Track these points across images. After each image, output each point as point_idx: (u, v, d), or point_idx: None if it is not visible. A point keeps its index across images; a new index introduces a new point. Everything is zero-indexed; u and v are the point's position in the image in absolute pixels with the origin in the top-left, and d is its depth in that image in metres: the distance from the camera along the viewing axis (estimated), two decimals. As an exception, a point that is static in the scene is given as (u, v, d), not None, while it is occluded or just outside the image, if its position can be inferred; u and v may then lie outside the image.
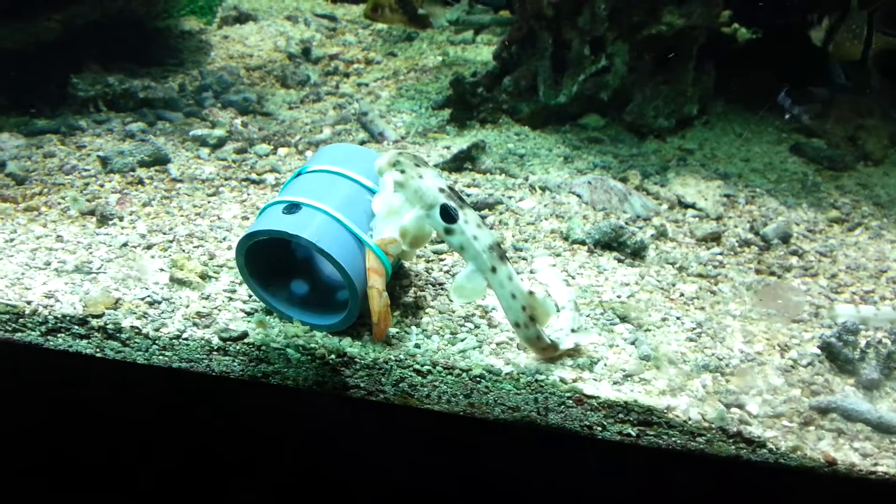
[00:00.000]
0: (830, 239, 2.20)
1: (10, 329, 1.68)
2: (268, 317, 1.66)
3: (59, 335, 1.67)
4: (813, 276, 2.01)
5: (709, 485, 1.53)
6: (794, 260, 2.07)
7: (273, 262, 1.67)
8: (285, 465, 1.68)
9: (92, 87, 2.68)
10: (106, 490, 1.76)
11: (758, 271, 2.01)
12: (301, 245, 1.54)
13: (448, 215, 1.52)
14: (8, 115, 2.61)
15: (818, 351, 1.67)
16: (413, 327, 1.66)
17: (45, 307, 1.67)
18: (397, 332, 1.63)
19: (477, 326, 1.68)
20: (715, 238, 2.14)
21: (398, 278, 1.81)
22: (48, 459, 1.76)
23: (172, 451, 1.71)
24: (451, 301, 1.74)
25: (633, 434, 1.51)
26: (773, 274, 2.00)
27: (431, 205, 1.52)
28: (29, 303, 1.68)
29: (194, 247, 1.92)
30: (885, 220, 2.30)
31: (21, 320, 1.67)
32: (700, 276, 1.95)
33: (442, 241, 1.85)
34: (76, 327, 1.66)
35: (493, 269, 1.52)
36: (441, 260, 1.91)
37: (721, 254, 2.07)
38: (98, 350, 1.66)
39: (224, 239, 1.96)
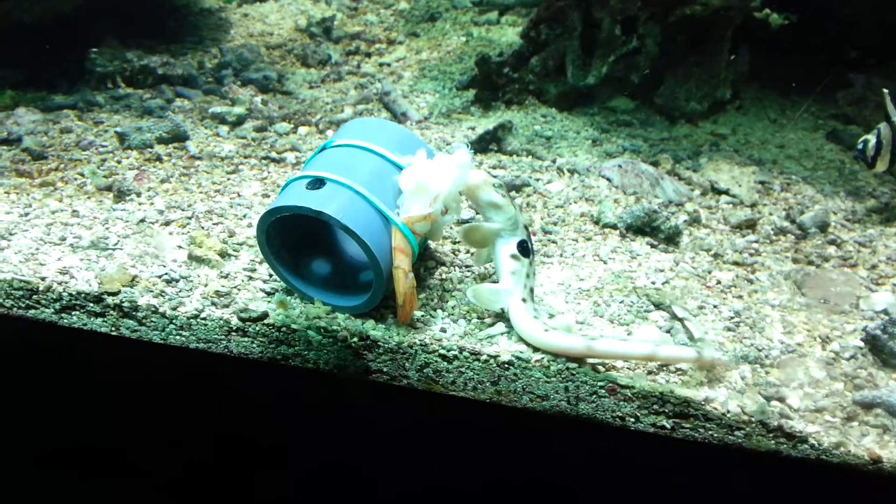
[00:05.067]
0: (869, 229, 2.11)
1: (23, 306, 1.64)
2: (289, 297, 1.61)
3: (73, 313, 1.62)
4: (852, 266, 1.93)
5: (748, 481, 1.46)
6: (832, 250, 2.00)
7: (295, 240, 1.61)
8: (306, 449, 1.63)
9: (110, 62, 2.63)
10: (120, 471, 1.71)
11: (795, 260, 1.93)
12: (325, 222, 1.48)
13: (525, 250, 1.59)
14: (25, 90, 2.56)
15: (861, 343, 1.60)
16: (439, 311, 1.60)
17: (60, 284, 1.62)
18: (422, 316, 1.57)
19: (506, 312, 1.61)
20: (750, 225, 2.07)
21: (423, 259, 1.75)
22: (61, 440, 1.72)
23: (191, 433, 1.66)
24: (478, 284, 1.68)
25: (668, 426, 1.45)
26: (811, 263, 1.92)
27: (513, 233, 1.60)
28: (43, 279, 1.63)
29: (213, 224, 1.87)
30: (924, 210, 2.22)
31: (35, 297, 1.63)
32: (736, 263, 1.88)
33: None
34: (91, 305, 1.61)
35: (524, 300, 1.55)
36: (468, 242, 1.85)
37: (757, 241, 2.00)
38: (113, 329, 1.61)
39: (244, 216, 1.90)
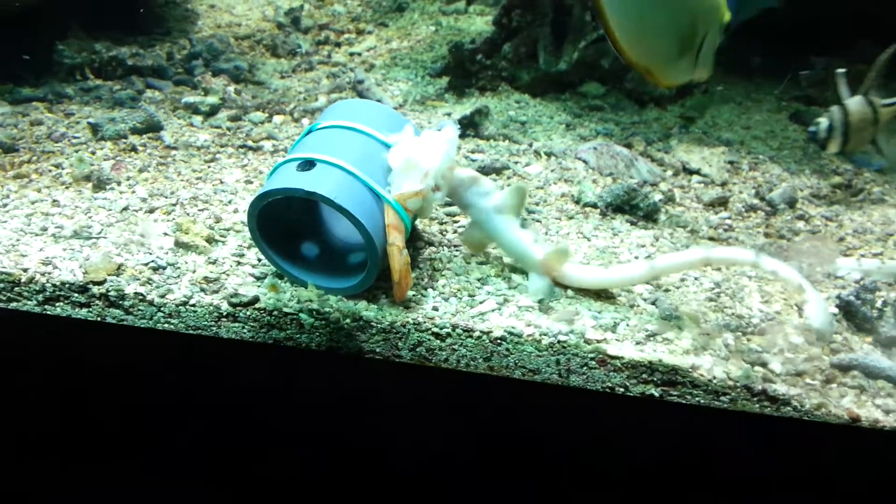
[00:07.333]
0: (835, 204, 2.19)
1: (4, 299, 1.61)
2: (279, 280, 1.61)
3: (57, 304, 1.60)
4: (821, 239, 2.00)
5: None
6: (800, 224, 2.07)
7: (284, 224, 1.62)
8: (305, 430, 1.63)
9: (78, 54, 2.58)
10: (112, 458, 1.70)
11: (766, 235, 2.00)
12: (313, 205, 1.49)
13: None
14: (-10, 82, 2.51)
15: (836, 310, 1.66)
16: (430, 290, 1.62)
17: (43, 274, 1.60)
18: (414, 295, 1.59)
19: (497, 289, 1.64)
20: (722, 203, 2.13)
21: (412, 240, 1.77)
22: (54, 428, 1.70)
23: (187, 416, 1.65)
24: (467, 263, 1.70)
25: (657, 395, 1.49)
26: (781, 237, 1.99)
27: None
28: (25, 270, 1.61)
29: (199, 210, 1.85)
30: (887, 185, 2.31)
31: (17, 289, 1.60)
32: (711, 238, 1.94)
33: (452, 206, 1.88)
34: (76, 295, 1.59)
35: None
36: (455, 222, 1.87)
37: (729, 218, 2.06)
38: (99, 319, 1.59)
39: (229, 202, 1.90)
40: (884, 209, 2.18)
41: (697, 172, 2.29)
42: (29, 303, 1.60)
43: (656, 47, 1.82)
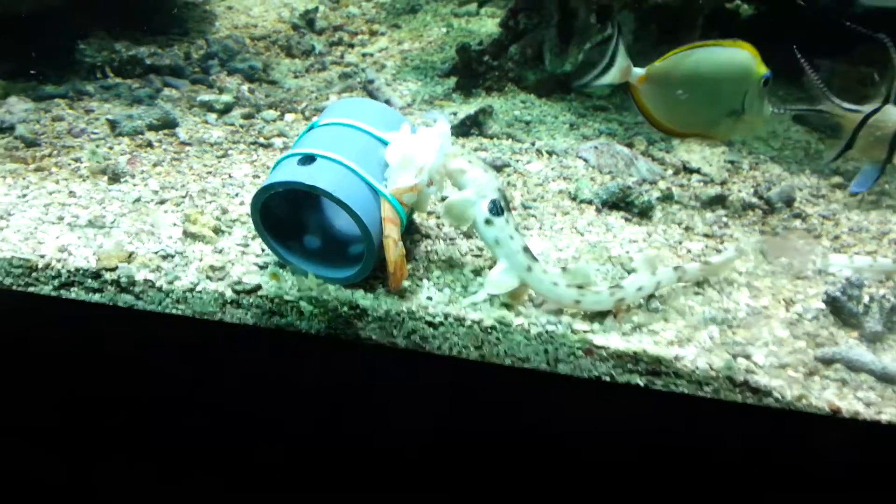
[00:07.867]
0: (833, 203, 2.22)
1: (22, 284, 1.70)
2: (281, 270, 1.68)
3: (72, 289, 1.68)
4: (816, 237, 2.03)
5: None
6: (797, 223, 2.10)
7: (286, 216, 1.69)
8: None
9: (99, 53, 2.69)
10: (117, 450, 1.78)
11: (762, 232, 2.03)
12: (314, 199, 1.55)
13: (496, 209, 1.58)
14: (15, 80, 2.62)
15: (822, 305, 1.69)
16: (424, 280, 1.68)
17: (59, 261, 1.69)
18: (409, 286, 1.65)
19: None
20: (720, 201, 2.16)
21: (409, 233, 1.83)
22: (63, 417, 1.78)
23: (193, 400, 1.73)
24: (461, 255, 1.76)
25: (642, 384, 1.53)
26: (776, 235, 2.03)
27: (483, 195, 1.59)
28: (42, 256, 1.70)
29: (207, 202, 1.94)
30: (887, 185, 2.32)
31: (34, 274, 1.69)
32: (706, 235, 1.98)
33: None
34: (90, 281, 1.67)
35: (529, 269, 1.58)
36: (452, 215, 1.93)
37: (726, 215, 2.10)
38: (111, 304, 1.67)
39: (236, 195, 1.98)
40: (881, 209, 2.20)
41: (697, 171, 2.33)
42: (45, 287, 1.69)
43: (695, 119, 2.03)
